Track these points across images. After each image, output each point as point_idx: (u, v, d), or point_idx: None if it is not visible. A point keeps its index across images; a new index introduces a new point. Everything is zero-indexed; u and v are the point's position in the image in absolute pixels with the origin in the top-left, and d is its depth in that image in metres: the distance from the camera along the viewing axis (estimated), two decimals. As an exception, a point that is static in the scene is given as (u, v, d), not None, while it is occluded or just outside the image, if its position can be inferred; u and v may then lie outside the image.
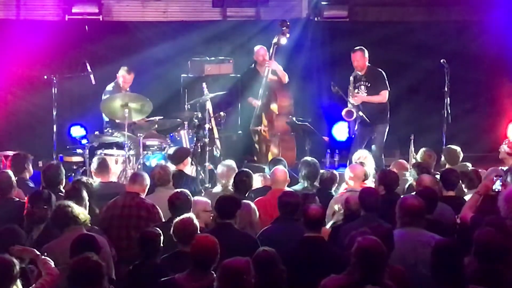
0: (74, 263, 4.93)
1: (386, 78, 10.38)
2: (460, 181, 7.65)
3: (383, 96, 10.36)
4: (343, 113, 10.38)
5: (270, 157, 10.27)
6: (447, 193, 7.43)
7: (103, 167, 8.46)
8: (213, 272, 5.20)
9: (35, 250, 5.62)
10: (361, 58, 10.36)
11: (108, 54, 11.65)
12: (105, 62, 11.28)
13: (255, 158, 11.18)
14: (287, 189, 7.65)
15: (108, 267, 5.94)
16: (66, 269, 5.14)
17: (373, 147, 10.30)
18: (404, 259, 5.69)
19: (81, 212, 6.14)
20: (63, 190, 7.43)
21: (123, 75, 10.49)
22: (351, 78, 10.38)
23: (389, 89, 10.38)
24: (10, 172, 7.62)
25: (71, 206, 6.14)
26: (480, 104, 12.54)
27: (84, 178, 7.68)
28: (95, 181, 8.11)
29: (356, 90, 10.36)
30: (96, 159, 8.64)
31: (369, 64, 10.42)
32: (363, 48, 10.38)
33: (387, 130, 10.44)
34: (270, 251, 5.27)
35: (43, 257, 5.55)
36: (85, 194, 6.81)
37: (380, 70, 10.44)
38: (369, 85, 10.37)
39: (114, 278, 5.91)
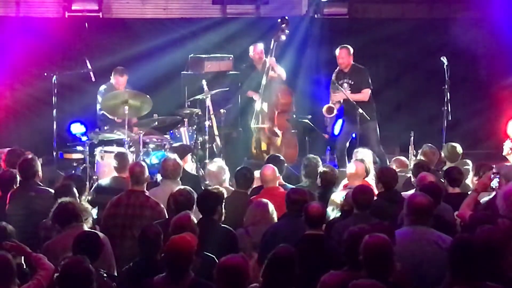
0: (64, 266, 4.86)
1: (369, 77, 10.35)
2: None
3: (365, 94, 10.29)
4: (324, 109, 10.35)
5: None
6: (453, 190, 7.44)
7: (124, 162, 8.19)
8: (191, 271, 5.16)
9: (27, 247, 5.61)
10: (346, 56, 10.32)
11: (108, 51, 11.65)
12: (105, 59, 11.26)
13: (255, 155, 11.17)
14: (289, 185, 7.66)
15: (110, 265, 5.96)
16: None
17: (371, 145, 10.20)
18: (411, 258, 5.63)
19: (84, 210, 6.12)
20: (39, 183, 7.39)
21: (116, 78, 10.44)
22: (334, 75, 10.37)
23: (371, 87, 10.34)
24: (15, 172, 7.46)
25: (74, 203, 6.12)
26: (480, 101, 12.53)
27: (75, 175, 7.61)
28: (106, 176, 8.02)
29: (339, 88, 10.30)
30: (116, 156, 8.44)
31: (354, 62, 10.39)
32: (348, 46, 10.34)
33: (377, 126, 10.41)
34: (291, 249, 5.14)
35: (34, 254, 5.54)
36: (75, 191, 6.74)
37: (364, 68, 10.41)
38: (352, 83, 10.34)
39: (116, 275, 5.91)
